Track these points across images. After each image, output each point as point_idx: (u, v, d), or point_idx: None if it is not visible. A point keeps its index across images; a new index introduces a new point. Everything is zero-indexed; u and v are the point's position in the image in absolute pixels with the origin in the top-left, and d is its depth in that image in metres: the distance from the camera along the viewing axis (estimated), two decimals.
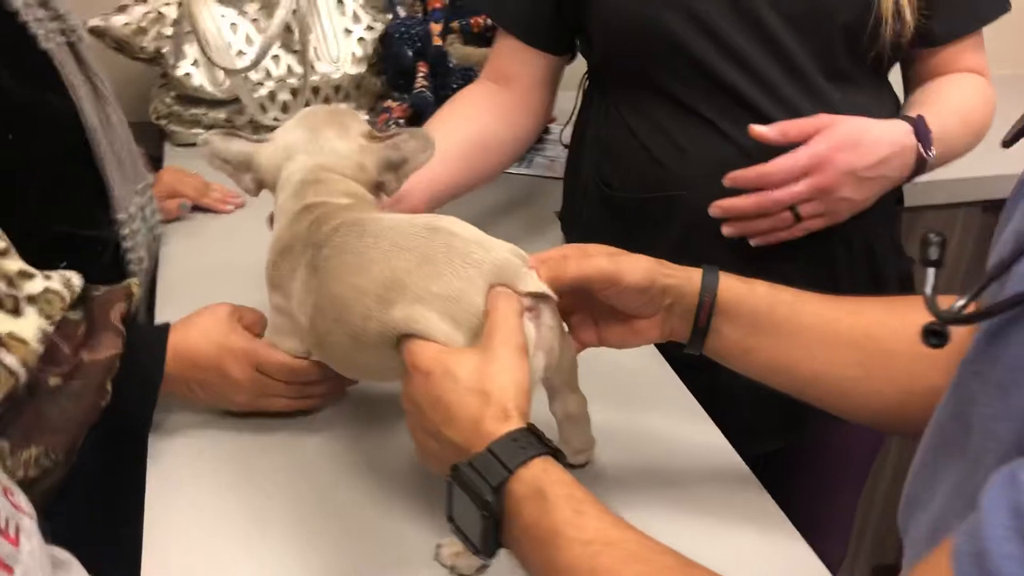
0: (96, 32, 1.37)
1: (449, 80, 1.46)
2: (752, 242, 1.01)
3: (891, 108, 1.08)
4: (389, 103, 1.47)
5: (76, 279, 0.81)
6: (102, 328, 0.80)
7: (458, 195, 1.08)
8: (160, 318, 1.01)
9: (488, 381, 0.63)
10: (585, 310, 0.79)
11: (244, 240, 1.21)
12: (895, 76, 1.12)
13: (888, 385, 0.74)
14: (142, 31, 1.42)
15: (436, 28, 1.49)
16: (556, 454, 0.62)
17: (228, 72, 1.40)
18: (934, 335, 0.50)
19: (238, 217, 1.30)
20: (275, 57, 1.43)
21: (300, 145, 0.85)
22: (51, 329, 0.76)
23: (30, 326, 0.74)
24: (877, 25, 0.98)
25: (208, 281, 1.11)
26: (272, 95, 1.44)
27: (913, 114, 1.02)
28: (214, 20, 1.40)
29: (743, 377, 0.94)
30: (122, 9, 1.42)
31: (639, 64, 1.04)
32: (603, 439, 0.85)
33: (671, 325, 0.77)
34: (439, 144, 0.88)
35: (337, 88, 1.48)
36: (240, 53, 1.41)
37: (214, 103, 1.45)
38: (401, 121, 1.44)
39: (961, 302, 0.49)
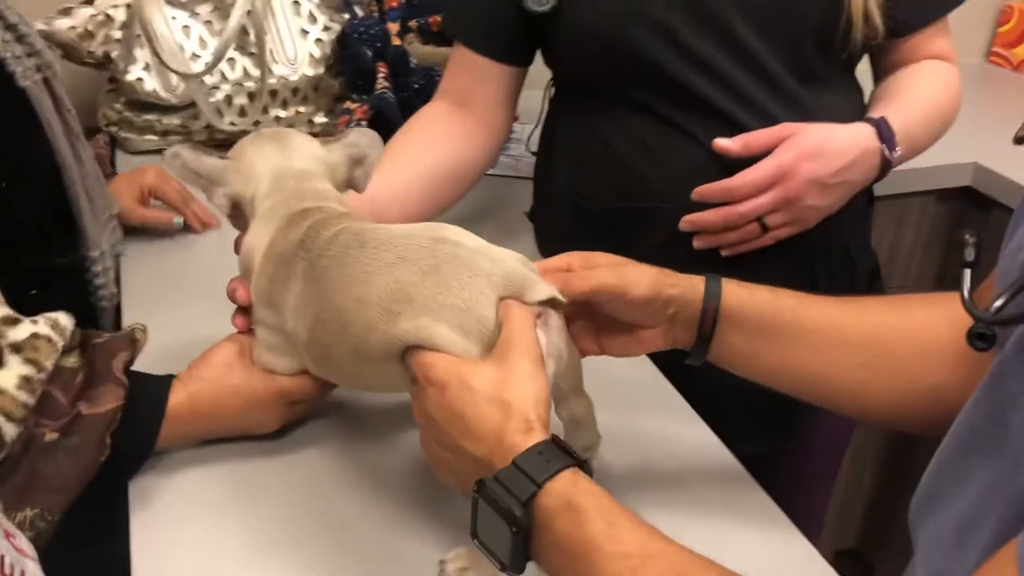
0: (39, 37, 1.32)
1: (410, 80, 1.43)
2: (723, 253, 1.02)
3: (860, 103, 1.09)
4: (349, 104, 1.44)
5: (64, 319, 0.76)
6: (103, 379, 0.75)
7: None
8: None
9: (508, 392, 0.62)
10: (586, 319, 0.78)
11: (204, 248, 1.20)
12: (863, 64, 1.12)
13: (893, 384, 0.75)
14: (89, 35, 1.36)
15: (393, 28, 1.47)
16: (583, 465, 0.61)
17: (183, 76, 1.35)
18: (980, 338, 0.50)
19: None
20: (230, 60, 1.39)
21: (273, 154, 0.83)
22: (39, 376, 0.71)
23: (10, 375, 0.69)
24: (848, 28, 0.98)
25: (171, 293, 1.08)
26: (228, 99, 1.40)
27: (879, 109, 1.03)
28: (166, 23, 1.35)
29: (721, 383, 0.94)
30: (66, 12, 1.36)
31: (609, 78, 1.03)
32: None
33: (675, 334, 0.77)
34: (397, 181, 0.88)
35: (295, 91, 1.45)
36: (194, 56, 1.37)
37: (167, 109, 1.40)
38: (363, 123, 1.42)
39: (999, 302, 0.50)
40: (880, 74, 1.12)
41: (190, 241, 1.22)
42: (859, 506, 1.95)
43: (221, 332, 0.86)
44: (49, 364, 0.72)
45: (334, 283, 0.72)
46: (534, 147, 1.23)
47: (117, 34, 1.37)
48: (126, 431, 0.76)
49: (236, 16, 1.34)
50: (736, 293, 0.75)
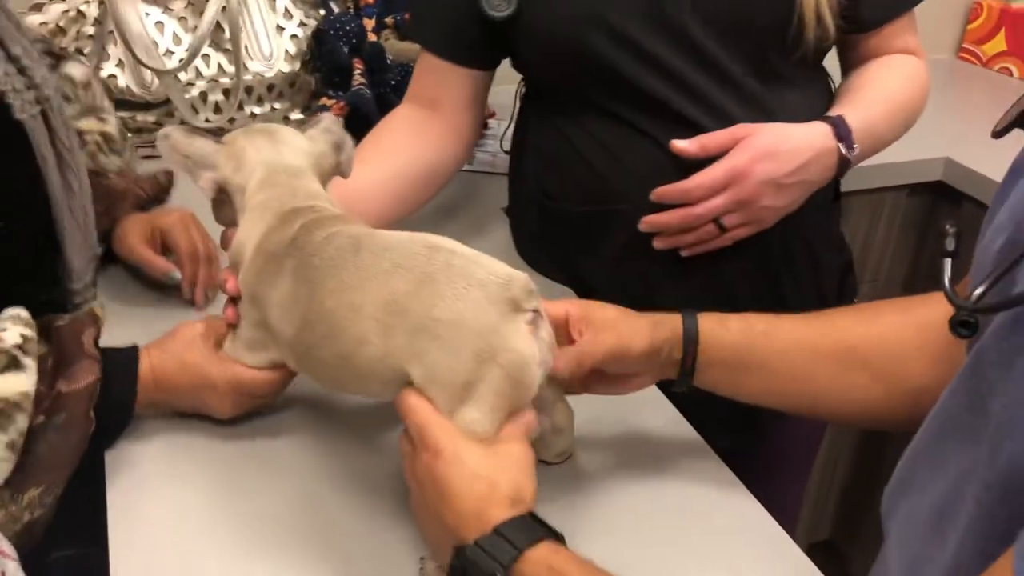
0: None
1: (387, 76, 1.43)
2: (682, 253, 1.03)
3: (826, 100, 1.09)
4: (325, 101, 1.43)
5: (23, 312, 0.77)
6: (77, 356, 0.77)
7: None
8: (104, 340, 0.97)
9: (497, 472, 0.64)
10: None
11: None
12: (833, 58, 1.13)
13: (870, 391, 0.78)
14: (61, 31, 1.35)
15: (370, 24, 1.46)
16: (561, 539, 0.63)
17: (157, 73, 1.34)
18: (963, 325, 0.51)
19: None
20: (205, 56, 1.38)
21: (266, 146, 0.83)
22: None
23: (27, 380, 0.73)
24: (800, 29, 0.98)
25: (149, 305, 1.07)
26: (204, 96, 1.39)
27: (840, 106, 1.04)
28: (140, 18, 1.34)
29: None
30: (37, 8, 1.35)
31: (571, 82, 1.04)
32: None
33: (661, 372, 0.80)
34: (368, 182, 0.91)
35: (271, 87, 1.44)
36: (168, 53, 1.36)
37: (142, 106, 1.39)
38: (339, 119, 1.41)
39: (979, 291, 0.51)
40: (847, 69, 1.12)
41: None
42: (833, 499, 1.97)
43: None
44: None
45: (327, 287, 0.72)
46: (508, 145, 1.23)
47: (90, 30, 1.36)
48: (105, 403, 0.78)
49: (210, 12, 1.34)
50: (711, 330, 0.79)
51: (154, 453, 0.85)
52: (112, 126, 1.07)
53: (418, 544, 0.76)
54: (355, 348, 0.69)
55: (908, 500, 0.60)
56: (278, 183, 0.81)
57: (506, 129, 1.26)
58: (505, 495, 0.63)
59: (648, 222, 1.01)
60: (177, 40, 1.37)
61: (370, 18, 1.47)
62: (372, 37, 1.45)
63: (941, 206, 1.68)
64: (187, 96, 1.38)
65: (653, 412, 0.94)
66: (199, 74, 1.39)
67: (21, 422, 0.71)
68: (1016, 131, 0.61)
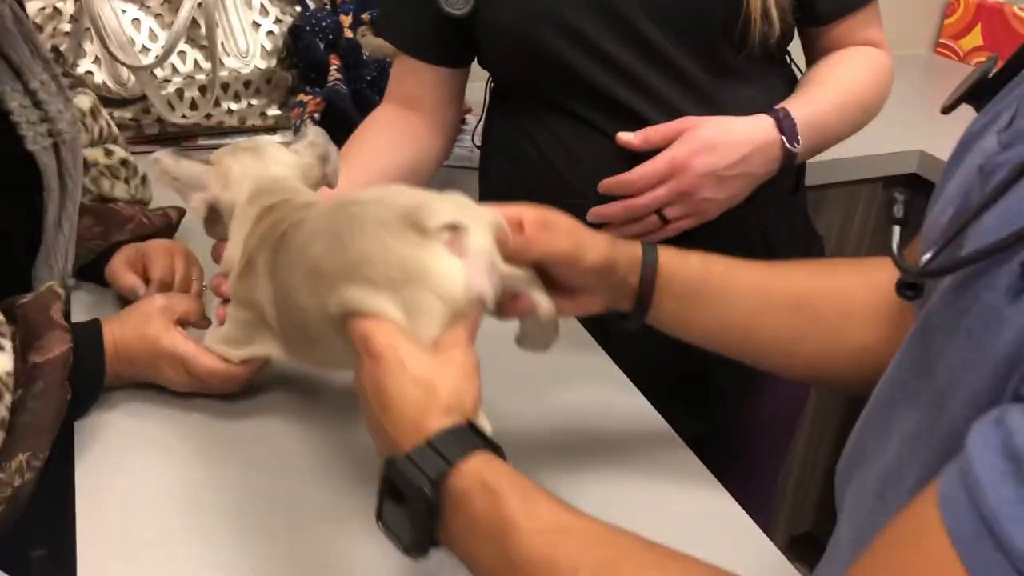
0: None
1: (363, 72, 1.44)
2: None
3: (784, 93, 1.08)
4: (302, 97, 1.44)
5: None
6: (46, 329, 0.79)
7: None
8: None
9: (438, 379, 0.60)
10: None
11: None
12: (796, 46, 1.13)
13: (817, 344, 0.78)
14: (37, 28, 1.36)
15: (346, 20, 1.47)
16: (498, 451, 0.59)
17: (133, 70, 1.35)
18: (909, 288, 0.52)
19: None
20: (181, 53, 1.39)
21: (252, 163, 0.86)
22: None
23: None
24: (747, 25, 0.99)
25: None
26: (180, 92, 1.40)
27: (791, 99, 1.04)
28: (116, 15, 1.35)
29: (647, 364, 0.96)
30: None
31: (528, 80, 1.06)
32: (535, 419, 0.88)
33: (613, 299, 0.78)
34: (352, 184, 0.91)
35: (247, 83, 1.45)
36: (144, 49, 1.37)
37: (118, 102, 1.39)
38: (316, 115, 1.42)
39: (927, 256, 0.52)
40: (811, 62, 1.13)
41: None
42: (814, 491, 1.98)
43: None
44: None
45: (280, 273, 0.74)
46: (479, 140, 1.25)
47: (66, 27, 1.36)
48: (77, 371, 0.81)
49: (186, 8, 1.34)
50: (670, 260, 0.77)
51: (122, 430, 0.86)
52: (117, 158, 1.09)
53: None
54: (303, 319, 0.71)
55: (860, 472, 0.61)
56: (266, 193, 0.83)
57: (476, 124, 1.27)
58: (444, 402, 0.59)
59: (594, 213, 1.02)
60: (153, 37, 1.38)
61: (347, 14, 1.48)
62: (348, 33, 1.46)
63: (915, 198, 1.69)
64: (163, 93, 1.39)
65: (623, 402, 0.94)
66: (175, 71, 1.39)
67: (7, 399, 0.74)
68: (964, 105, 0.62)
